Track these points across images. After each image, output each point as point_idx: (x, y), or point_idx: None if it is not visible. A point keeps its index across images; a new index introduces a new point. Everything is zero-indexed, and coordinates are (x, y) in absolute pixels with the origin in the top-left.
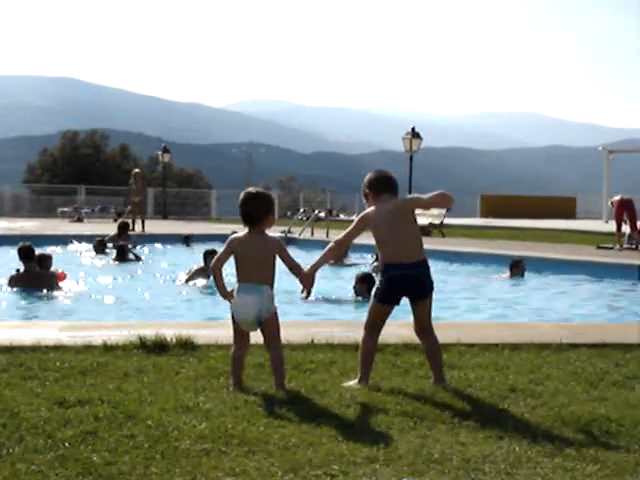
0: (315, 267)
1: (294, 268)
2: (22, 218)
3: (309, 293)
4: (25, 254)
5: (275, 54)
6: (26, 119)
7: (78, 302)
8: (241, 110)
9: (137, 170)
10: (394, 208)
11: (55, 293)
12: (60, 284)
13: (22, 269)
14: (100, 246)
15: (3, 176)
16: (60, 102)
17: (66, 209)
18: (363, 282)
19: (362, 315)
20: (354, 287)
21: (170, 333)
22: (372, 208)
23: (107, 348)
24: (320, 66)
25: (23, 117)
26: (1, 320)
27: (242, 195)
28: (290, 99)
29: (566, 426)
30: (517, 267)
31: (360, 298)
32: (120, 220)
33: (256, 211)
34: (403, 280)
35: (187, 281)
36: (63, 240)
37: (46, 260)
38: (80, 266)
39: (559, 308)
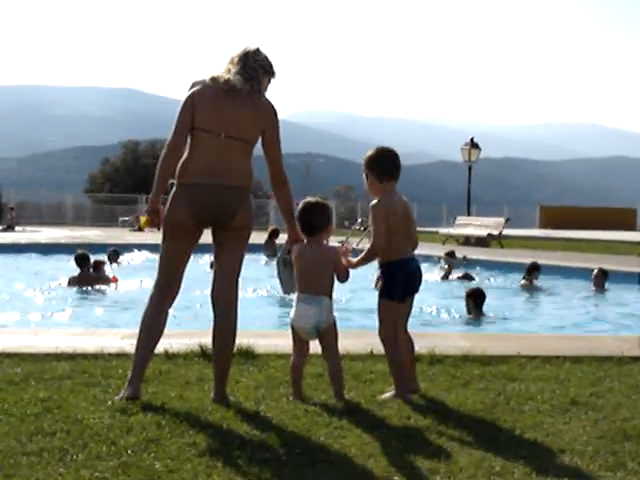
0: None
1: (341, 276)
2: (83, 227)
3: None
4: (80, 260)
5: (331, 66)
6: (86, 129)
7: (138, 309)
8: (298, 121)
9: None
10: (401, 198)
11: (115, 300)
12: (112, 286)
13: (78, 273)
14: (114, 256)
15: (65, 185)
16: (120, 112)
17: (127, 218)
18: (470, 297)
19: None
20: (466, 304)
21: None
22: (388, 198)
23: (169, 356)
24: (376, 77)
25: (83, 127)
26: (62, 325)
27: (301, 205)
28: (346, 110)
29: (628, 440)
30: (598, 278)
31: (471, 315)
32: (271, 228)
33: (317, 220)
34: (417, 274)
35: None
36: (125, 249)
37: (100, 265)
38: (140, 272)
39: (619, 320)
